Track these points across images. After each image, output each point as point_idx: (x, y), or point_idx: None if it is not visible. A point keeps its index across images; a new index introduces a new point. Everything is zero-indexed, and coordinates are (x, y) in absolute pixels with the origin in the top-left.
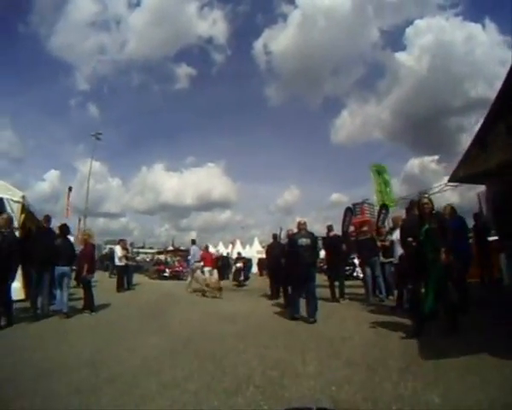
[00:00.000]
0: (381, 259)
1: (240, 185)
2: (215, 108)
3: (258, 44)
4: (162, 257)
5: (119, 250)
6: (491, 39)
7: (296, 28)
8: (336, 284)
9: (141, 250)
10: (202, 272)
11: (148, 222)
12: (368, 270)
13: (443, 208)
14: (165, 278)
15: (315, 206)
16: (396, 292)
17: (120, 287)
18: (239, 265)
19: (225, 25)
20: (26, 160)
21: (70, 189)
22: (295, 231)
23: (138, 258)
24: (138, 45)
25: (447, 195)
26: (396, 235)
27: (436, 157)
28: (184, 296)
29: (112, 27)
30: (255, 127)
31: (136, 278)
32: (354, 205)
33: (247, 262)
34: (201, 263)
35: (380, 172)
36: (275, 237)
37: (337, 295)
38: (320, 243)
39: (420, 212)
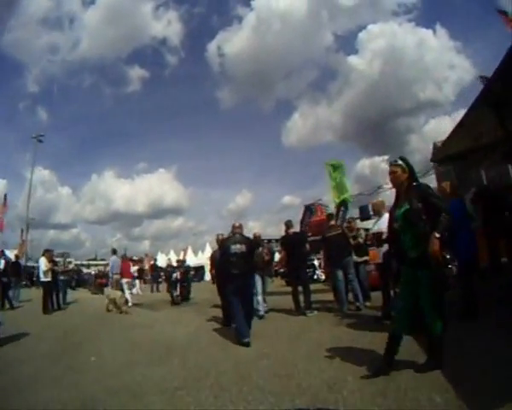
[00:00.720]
0: (354, 258)
1: (192, 191)
2: (167, 112)
3: (212, 46)
4: None
5: (43, 263)
6: (441, 44)
7: (251, 31)
8: (300, 290)
9: (92, 262)
10: (120, 284)
11: (99, 232)
12: (340, 273)
13: (439, 186)
14: None
15: (267, 209)
16: (379, 297)
17: (47, 308)
18: (175, 275)
19: (180, 26)
20: None
21: (5, 197)
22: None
23: (88, 270)
24: (91, 45)
25: None
26: (378, 226)
27: (386, 157)
28: (117, 318)
29: (65, 25)
30: (207, 131)
31: (78, 293)
32: (307, 206)
33: (188, 272)
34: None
35: (336, 166)
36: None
37: (302, 304)
38: (273, 245)
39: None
